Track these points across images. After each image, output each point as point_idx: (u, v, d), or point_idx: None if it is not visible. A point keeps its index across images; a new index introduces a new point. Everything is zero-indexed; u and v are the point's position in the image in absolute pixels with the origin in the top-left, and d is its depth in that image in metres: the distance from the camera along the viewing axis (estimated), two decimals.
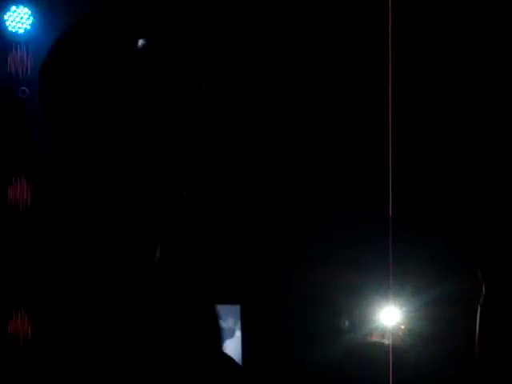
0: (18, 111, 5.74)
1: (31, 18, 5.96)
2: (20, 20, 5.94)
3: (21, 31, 5.94)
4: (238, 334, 6.71)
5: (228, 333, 6.65)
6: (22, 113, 5.73)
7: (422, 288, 6.23)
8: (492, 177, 6.12)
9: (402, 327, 6.49)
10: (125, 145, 1.07)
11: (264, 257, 6.62)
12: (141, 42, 1.07)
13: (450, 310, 6.57)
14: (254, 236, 6.61)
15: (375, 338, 6.35)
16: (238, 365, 1.26)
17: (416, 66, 5.77)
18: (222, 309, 6.22)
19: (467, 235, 6.15)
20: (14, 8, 5.94)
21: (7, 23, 5.92)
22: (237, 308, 6.66)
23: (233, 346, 6.62)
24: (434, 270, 6.13)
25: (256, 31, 5.80)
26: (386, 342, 5.74)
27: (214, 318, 1.18)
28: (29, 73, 5.90)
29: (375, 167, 4.81)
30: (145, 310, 1.08)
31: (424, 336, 6.51)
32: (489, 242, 6.19)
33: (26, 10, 5.95)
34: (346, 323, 6.67)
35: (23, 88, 5.90)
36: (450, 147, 6.04)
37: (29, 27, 5.94)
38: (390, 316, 6.38)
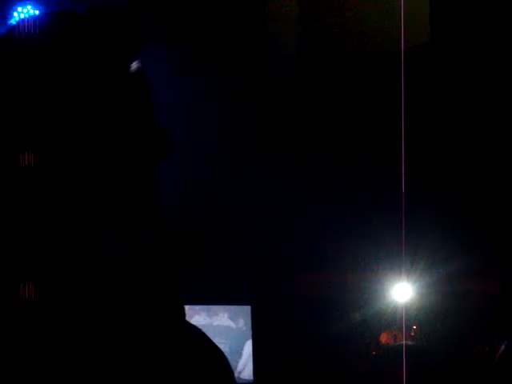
0: None
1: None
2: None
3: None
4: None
5: (241, 333, 6.62)
6: None
7: (434, 263, 6.22)
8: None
9: (414, 327, 6.45)
10: None
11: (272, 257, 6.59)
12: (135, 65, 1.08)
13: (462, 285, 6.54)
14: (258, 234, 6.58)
15: (386, 339, 6.31)
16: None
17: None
18: (233, 309, 6.15)
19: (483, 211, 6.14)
20: (21, 9, 5.92)
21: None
22: (247, 309, 6.64)
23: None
24: (448, 245, 6.13)
25: None
26: (399, 342, 5.69)
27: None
28: None
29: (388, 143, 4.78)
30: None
31: (437, 312, 6.49)
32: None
33: (34, 11, 5.92)
34: (358, 317, 6.63)
35: None
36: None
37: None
38: (402, 292, 6.37)
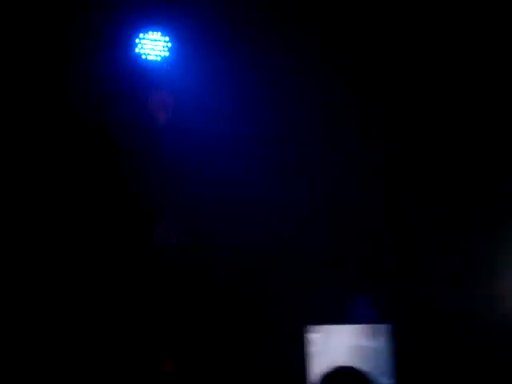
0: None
1: (168, 45, 5.93)
2: (157, 47, 5.91)
3: (158, 58, 5.93)
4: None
5: (381, 352, 6.48)
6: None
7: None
8: None
9: None
10: None
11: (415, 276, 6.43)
12: None
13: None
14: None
15: None
16: None
17: None
18: (371, 328, 5.93)
19: None
20: (149, 35, 5.92)
21: (144, 51, 5.90)
22: (386, 327, 6.50)
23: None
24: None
25: None
26: None
27: None
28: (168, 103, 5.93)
29: None
30: None
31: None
32: None
33: (163, 37, 5.92)
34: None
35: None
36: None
37: (166, 54, 5.90)
38: None
